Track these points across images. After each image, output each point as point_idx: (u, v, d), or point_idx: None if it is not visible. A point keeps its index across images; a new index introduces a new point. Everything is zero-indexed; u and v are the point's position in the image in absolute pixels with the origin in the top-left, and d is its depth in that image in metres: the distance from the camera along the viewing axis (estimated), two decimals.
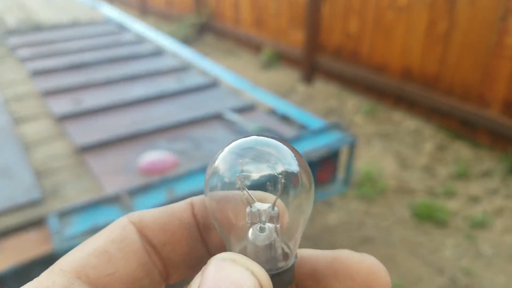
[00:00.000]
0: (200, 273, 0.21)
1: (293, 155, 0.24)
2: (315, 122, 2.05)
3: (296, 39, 4.85)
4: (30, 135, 1.96)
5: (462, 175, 2.96)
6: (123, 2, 8.94)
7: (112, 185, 1.55)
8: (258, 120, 2.05)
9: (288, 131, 1.95)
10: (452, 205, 2.69)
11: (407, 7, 3.58)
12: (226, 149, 0.24)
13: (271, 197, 0.23)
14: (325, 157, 1.86)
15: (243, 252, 0.22)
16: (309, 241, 2.38)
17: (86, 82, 2.51)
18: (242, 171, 0.22)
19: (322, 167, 1.89)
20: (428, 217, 2.57)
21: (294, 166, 0.23)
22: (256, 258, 0.22)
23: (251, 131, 1.93)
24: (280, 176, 0.22)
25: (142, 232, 0.26)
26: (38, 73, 2.66)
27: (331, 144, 1.84)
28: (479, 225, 2.52)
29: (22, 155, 1.75)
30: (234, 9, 5.86)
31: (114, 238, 0.25)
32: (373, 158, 3.20)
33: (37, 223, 1.37)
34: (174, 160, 1.72)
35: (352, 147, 1.94)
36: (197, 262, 0.27)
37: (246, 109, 2.21)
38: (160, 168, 1.68)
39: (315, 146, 1.81)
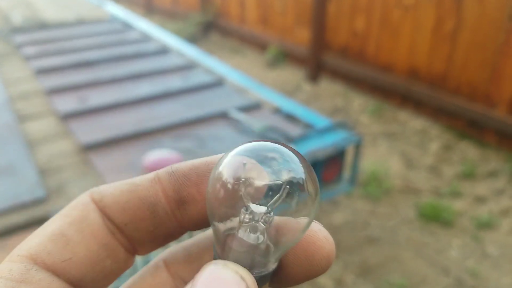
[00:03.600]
0: (192, 280, 0.21)
1: (300, 163, 0.23)
2: (321, 121, 2.03)
3: (302, 37, 4.84)
4: (35, 133, 1.96)
5: (469, 175, 2.94)
6: (129, 1, 8.94)
7: None
8: (264, 119, 2.04)
9: (294, 130, 1.94)
10: (458, 205, 2.68)
11: (414, 6, 3.56)
12: (231, 153, 0.23)
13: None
14: (331, 156, 1.84)
15: (230, 249, 0.23)
16: None
17: (91, 80, 2.51)
18: (245, 177, 0.22)
19: (328, 166, 1.88)
20: (434, 217, 2.56)
21: (300, 174, 0.23)
22: (241, 257, 0.22)
23: (257, 130, 1.92)
24: (284, 183, 0.22)
25: (103, 211, 0.25)
26: (43, 71, 2.66)
27: (337, 143, 1.83)
28: (486, 225, 2.50)
29: (26, 153, 1.75)
30: (240, 7, 5.85)
31: (73, 219, 0.24)
32: (379, 158, 3.18)
33: (41, 221, 1.36)
34: (179, 159, 1.72)
35: (358, 147, 1.93)
36: (165, 237, 0.27)
37: (251, 107, 2.20)
38: (165, 166, 1.67)
39: (321, 145, 1.80)
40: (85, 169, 1.69)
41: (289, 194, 0.22)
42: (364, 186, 2.84)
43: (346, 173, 2.01)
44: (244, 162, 0.22)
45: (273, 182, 0.22)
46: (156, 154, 1.71)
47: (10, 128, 1.98)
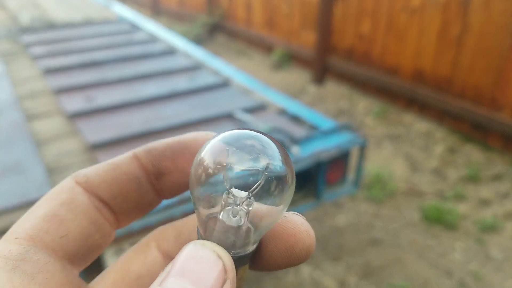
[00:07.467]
0: (173, 260, 0.22)
1: (278, 150, 0.24)
2: (326, 122, 2.05)
3: (307, 40, 4.85)
4: (43, 132, 1.98)
5: (473, 179, 2.94)
6: (136, 2, 8.99)
7: None
8: (269, 120, 2.05)
9: (299, 131, 1.95)
10: (462, 208, 2.68)
11: (420, 10, 3.56)
12: (214, 140, 0.25)
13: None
14: (335, 158, 1.86)
15: (212, 230, 0.24)
16: (317, 242, 2.38)
17: (98, 80, 2.53)
18: (227, 163, 0.23)
19: (332, 168, 1.89)
20: (438, 220, 2.56)
21: (277, 161, 0.24)
22: (222, 238, 0.24)
23: (262, 131, 1.93)
24: (263, 168, 0.23)
25: (91, 190, 0.27)
26: (51, 71, 2.69)
27: (342, 145, 1.84)
28: (489, 229, 2.50)
29: (34, 152, 1.77)
30: (246, 9, 5.87)
31: (63, 201, 0.26)
32: (383, 160, 3.19)
33: None
34: None
35: (362, 149, 1.93)
36: (147, 205, 0.29)
37: (257, 109, 2.22)
38: None
39: (325, 146, 1.81)
40: None
41: (267, 180, 0.23)
42: (368, 188, 2.84)
43: (350, 175, 2.02)
44: (226, 148, 0.24)
45: (253, 168, 0.23)
46: None
47: (18, 127, 2.00)
